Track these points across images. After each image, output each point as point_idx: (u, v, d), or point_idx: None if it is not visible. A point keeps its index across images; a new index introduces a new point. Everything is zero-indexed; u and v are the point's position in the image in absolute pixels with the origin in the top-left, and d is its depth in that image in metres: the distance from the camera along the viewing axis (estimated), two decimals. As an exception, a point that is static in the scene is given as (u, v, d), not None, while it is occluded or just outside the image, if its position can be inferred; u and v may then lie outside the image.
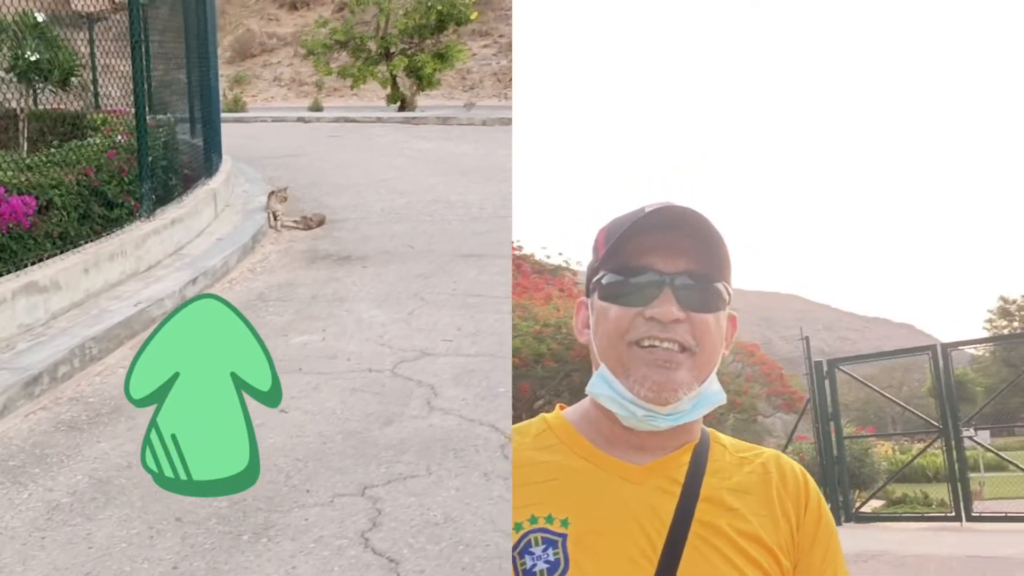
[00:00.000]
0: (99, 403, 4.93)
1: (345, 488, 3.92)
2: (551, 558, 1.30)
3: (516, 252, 10.04)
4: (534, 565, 1.31)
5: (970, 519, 10.34)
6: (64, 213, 6.81)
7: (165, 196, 8.78)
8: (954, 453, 10.77)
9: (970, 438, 11.31)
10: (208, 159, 9.83)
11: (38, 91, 12.96)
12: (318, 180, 12.02)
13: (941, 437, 11.08)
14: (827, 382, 11.73)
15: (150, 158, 8.40)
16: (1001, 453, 12.94)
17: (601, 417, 1.40)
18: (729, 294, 1.39)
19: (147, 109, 11.28)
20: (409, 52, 25.62)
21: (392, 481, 3.98)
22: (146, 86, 12.38)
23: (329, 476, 4.03)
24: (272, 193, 9.60)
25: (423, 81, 25.86)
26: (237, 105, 28.41)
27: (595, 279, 1.42)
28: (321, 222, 9.30)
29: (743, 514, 1.36)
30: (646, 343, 1.34)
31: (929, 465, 15.35)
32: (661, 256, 1.36)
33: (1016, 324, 36.29)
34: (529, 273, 9.71)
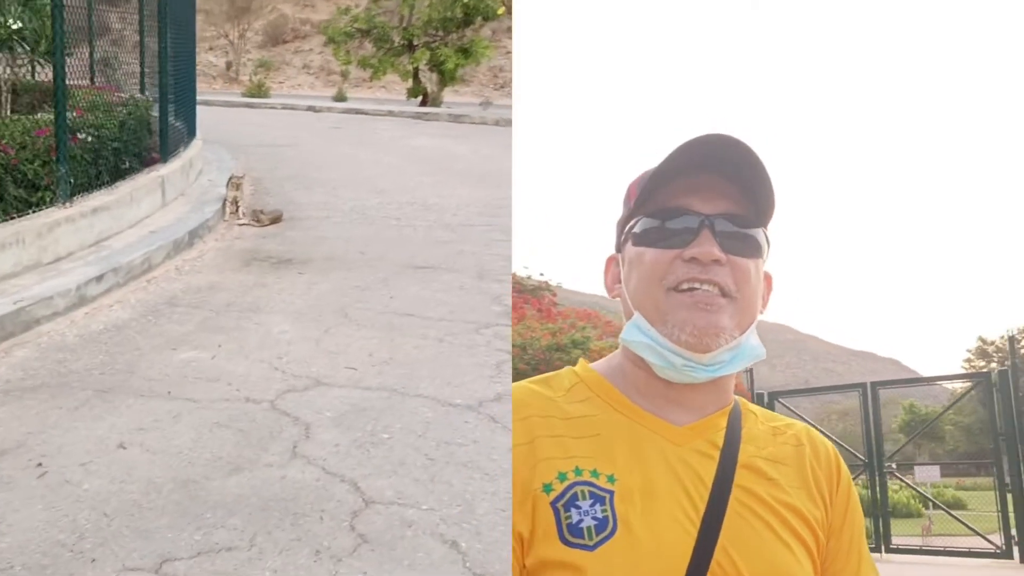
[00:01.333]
0: (-83, 421, 4.27)
1: (140, 559, 3.22)
2: (599, 515, 1.22)
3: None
4: (580, 520, 1.21)
5: (888, 551, 10.91)
6: (-38, 193, 6.20)
7: (110, 180, 8.17)
8: (877, 487, 11.29)
9: (891, 473, 11.83)
10: (165, 143, 9.18)
11: (21, 62, 12.48)
12: (298, 173, 11.37)
13: (866, 471, 11.49)
14: None
15: (87, 136, 7.79)
16: (919, 489, 13.56)
17: (636, 371, 1.35)
18: (768, 242, 1.34)
19: (87, 81, 10.72)
20: (432, 45, 24.95)
21: (202, 554, 3.27)
22: (143, 62, 11.81)
23: (130, 541, 3.33)
24: (229, 180, 8.98)
25: (445, 76, 25.19)
26: (260, 90, 27.89)
27: (627, 229, 1.37)
28: (276, 219, 8.64)
29: (782, 484, 1.31)
30: (685, 286, 1.28)
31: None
32: (699, 197, 1.31)
33: (994, 364, 36.28)
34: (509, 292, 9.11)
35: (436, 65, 25.38)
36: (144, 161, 9.28)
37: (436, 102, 25.50)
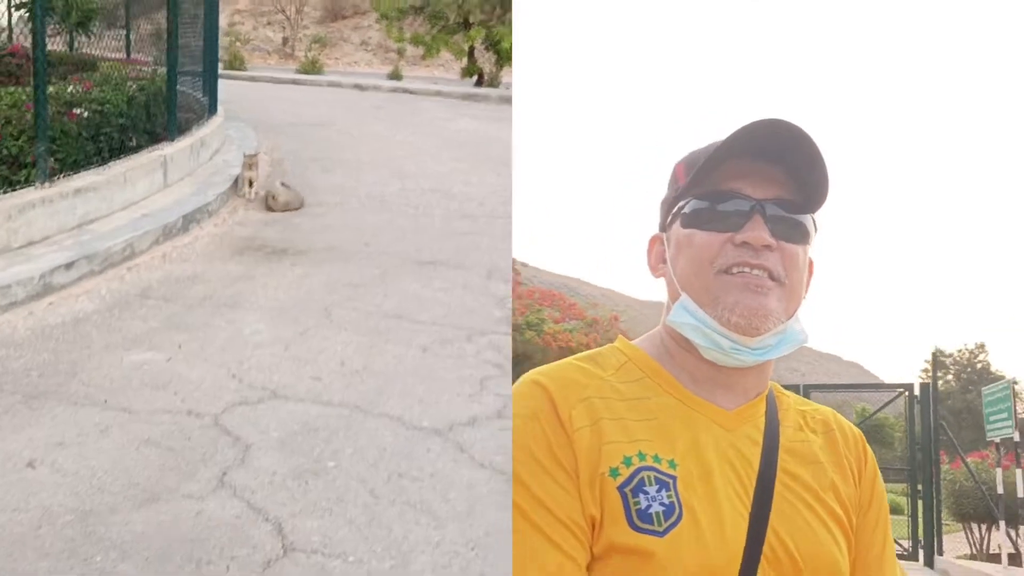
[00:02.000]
0: None
1: (-2, 614, 2.75)
2: (666, 501, 1.22)
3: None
4: (649, 506, 1.21)
5: None
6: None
7: (113, 159, 7.77)
8: None
9: None
10: (172, 120, 8.75)
11: (57, 32, 12.22)
12: (324, 155, 10.89)
13: None
14: None
15: (83, 112, 7.38)
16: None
17: (684, 354, 1.35)
18: (816, 228, 1.35)
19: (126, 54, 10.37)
20: (489, 23, 24.31)
21: (73, 609, 2.79)
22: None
23: (-5, 589, 2.86)
24: (245, 159, 8.58)
25: (502, 55, 24.54)
26: (314, 67, 27.50)
27: (675, 209, 1.37)
28: (286, 206, 8.15)
29: (821, 465, 1.35)
30: (735, 270, 1.29)
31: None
32: (750, 182, 1.31)
33: (950, 377, 38.12)
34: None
35: (492, 44, 24.73)
36: (157, 139, 8.88)
37: (494, 82, 24.86)
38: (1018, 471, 10.67)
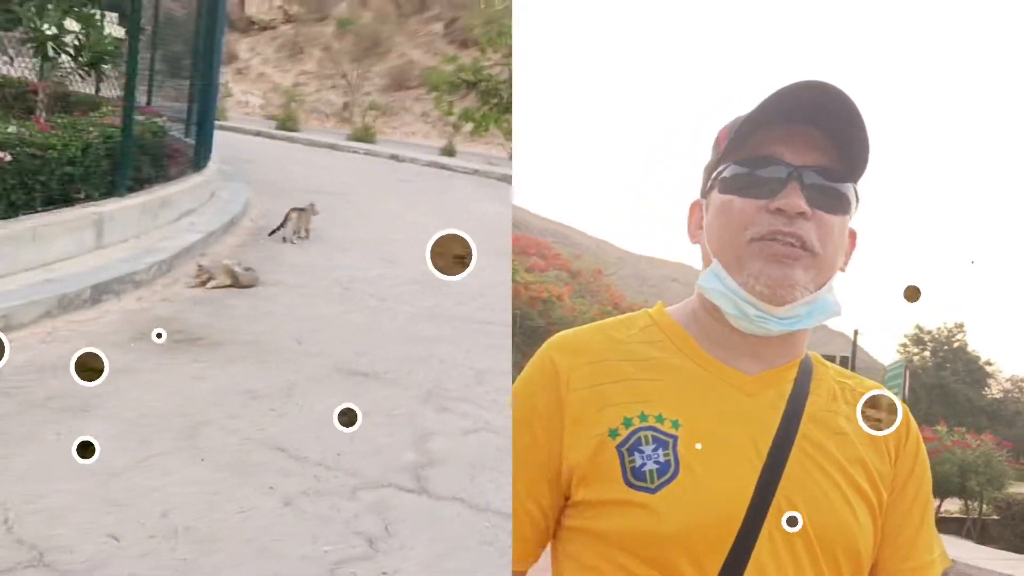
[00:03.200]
0: None
1: None
2: (661, 459, 1.24)
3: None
4: (643, 464, 1.25)
5: None
6: None
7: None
8: None
9: None
10: (123, 174, 7.82)
11: (62, 71, 11.66)
12: (313, 228, 9.89)
13: None
14: None
15: (7, 157, 6.48)
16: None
17: (711, 319, 1.35)
18: (858, 198, 1.32)
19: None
20: (544, 107, 23.62)
21: None
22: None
23: None
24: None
25: (555, 141, 23.80)
26: (367, 134, 26.97)
27: (715, 174, 1.35)
28: (221, 284, 7.12)
29: (850, 437, 1.32)
30: (768, 238, 1.27)
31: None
32: (790, 147, 1.28)
33: (927, 353, 39.18)
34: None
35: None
36: (117, 192, 8.00)
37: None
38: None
